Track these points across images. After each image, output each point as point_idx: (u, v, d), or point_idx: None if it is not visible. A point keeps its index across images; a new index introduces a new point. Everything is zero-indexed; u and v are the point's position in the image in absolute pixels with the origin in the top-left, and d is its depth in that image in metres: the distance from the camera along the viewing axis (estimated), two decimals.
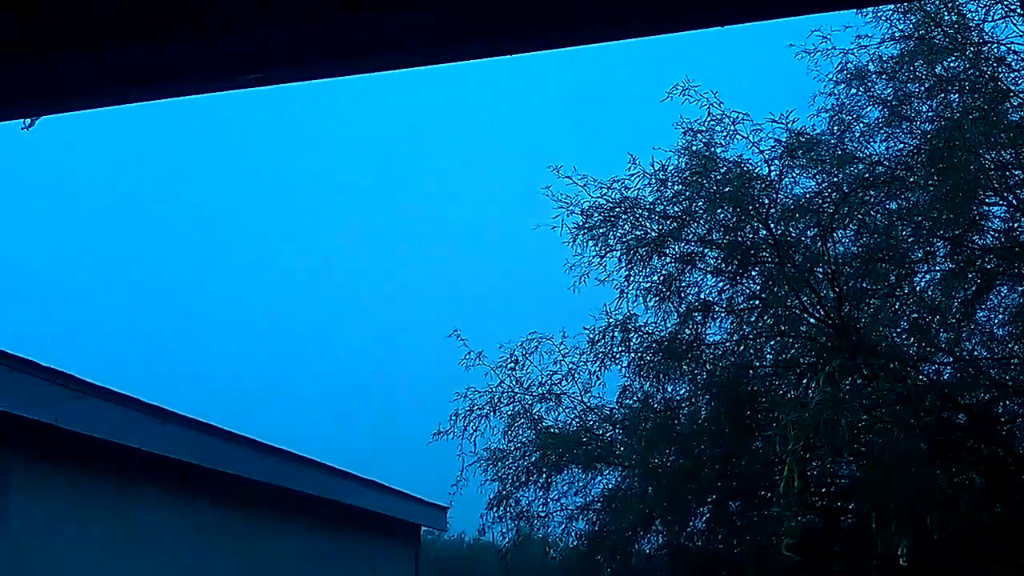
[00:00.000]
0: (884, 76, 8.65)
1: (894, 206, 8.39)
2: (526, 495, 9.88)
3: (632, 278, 8.77)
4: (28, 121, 1.68)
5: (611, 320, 9.12)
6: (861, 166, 8.39)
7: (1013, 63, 8.16)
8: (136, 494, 6.46)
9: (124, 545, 6.27)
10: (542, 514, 10.04)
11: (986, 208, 8.33)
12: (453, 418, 9.77)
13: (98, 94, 1.61)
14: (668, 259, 8.75)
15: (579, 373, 9.69)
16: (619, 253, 8.76)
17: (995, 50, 8.13)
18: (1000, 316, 8.52)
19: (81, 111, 1.70)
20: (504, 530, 10.07)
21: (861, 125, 8.64)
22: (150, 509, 6.59)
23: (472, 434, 9.74)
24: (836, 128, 8.61)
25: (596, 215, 8.80)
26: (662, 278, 8.80)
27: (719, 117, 8.19)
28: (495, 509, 9.94)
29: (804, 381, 8.34)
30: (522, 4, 1.34)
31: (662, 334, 9.01)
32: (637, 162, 8.64)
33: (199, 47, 1.45)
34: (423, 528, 11.79)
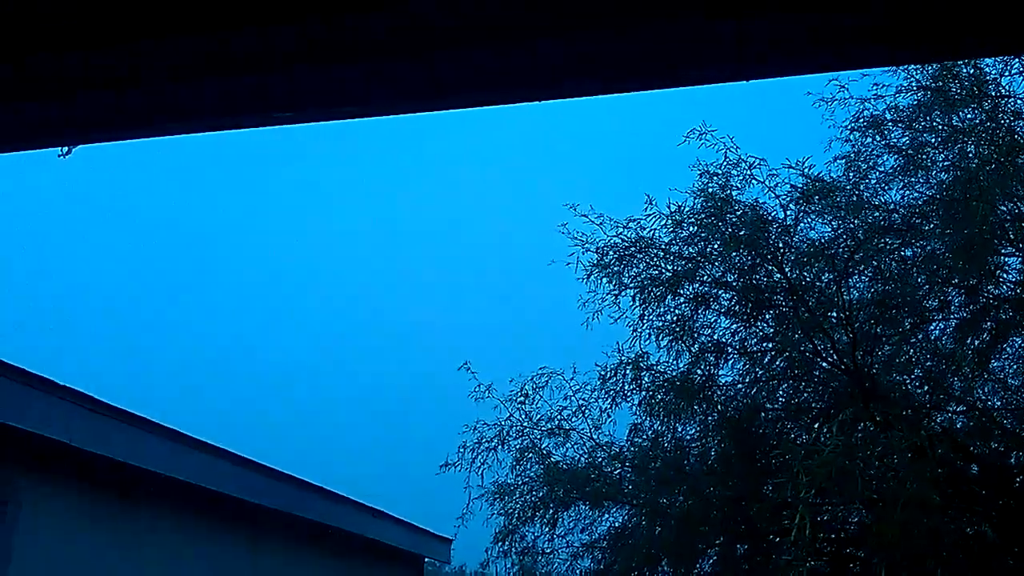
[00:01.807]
0: (900, 125, 8.73)
1: (909, 253, 8.42)
2: (532, 530, 9.82)
3: (646, 317, 8.80)
4: (65, 149, 1.75)
5: (623, 358, 9.14)
6: (877, 213, 8.43)
7: None
8: (146, 515, 6.46)
9: (132, 565, 6.26)
10: (547, 550, 9.97)
11: (1001, 258, 8.35)
12: (461, 450, 9.76)
13: (135, 128, 1.67)
14: (682, 299, 8.78)
15: (589, 410, 9.68)
16: (633, 292, 8.80)
17: (1012, 104, 8.21)
18: (1015, 366, 8.50)
19: (113, 142, 1.77)
20: (509, 565, 10.00)
21: (877, 173, 8.70)
22: (159, 531, 6.59)
23: (480, 467, 9.72)
24: (852, 175, 8.68)
25: (611, 253, 8.85)
26: (676, 318, 8.82)
27: (735, 161, 8.27)
28: (501, 543, 9.88)
29: (816, 426, 8.31)
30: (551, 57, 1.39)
31: (674, 373, 9.01)
32: (653, 203, 8.72)
33: (233, 86, 1.50)
34: (426, 559, 11.72)
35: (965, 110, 8.31)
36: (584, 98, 1.61)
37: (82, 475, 5.86)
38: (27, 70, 1.45)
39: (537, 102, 1.53)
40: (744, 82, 1.48)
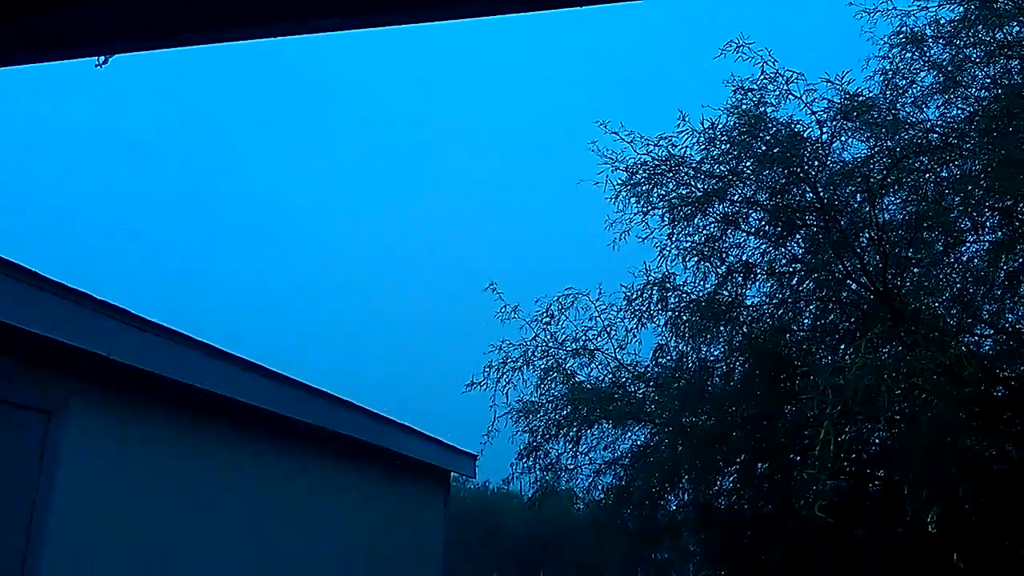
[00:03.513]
0: (941, 40, 8.43)
1: (945, 174, 8.24)
2: (556, 448, 10.02)
3: (674, 237, 8.74)
4: (102, 59, 1.73)
5: (650, 278, 9.13)
6: (913, 132, 8.23)
7: None
8: (186, 428, 6.64)
9: (173, 477, 6.46)
10: (570, 467, 10.19)
11: None
12: (487, 370, 9.90)
13: (166, 37, 1.64)
14: (711, 219, 8.70)
15: (614, 330, 9.75)
16: (662, 211, 8.72)
17: None
18: None
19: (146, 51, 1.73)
20: (532, 480, 10.23)
21: (916, 90, 8.46)
22: (199, 443, 6.78)
23: (505, 386, 9.86)
24: (890, 92, 8.43)
25: (641, 172, 8.74)
26: (704, 238, 8.76)
27: (772, 76, 8.04)
28: (525, 459, 10.09)
29: (843, 347, 8.32)
30: None
31: (701, 294, 9.01)
32: (687, 119, 8.54)
33: None
34: (452, 474, 12.02)
35: (1011, 24, 8.00)
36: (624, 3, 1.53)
37: (125, 389, 6.00)
38: None
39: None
40: None
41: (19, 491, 5.26)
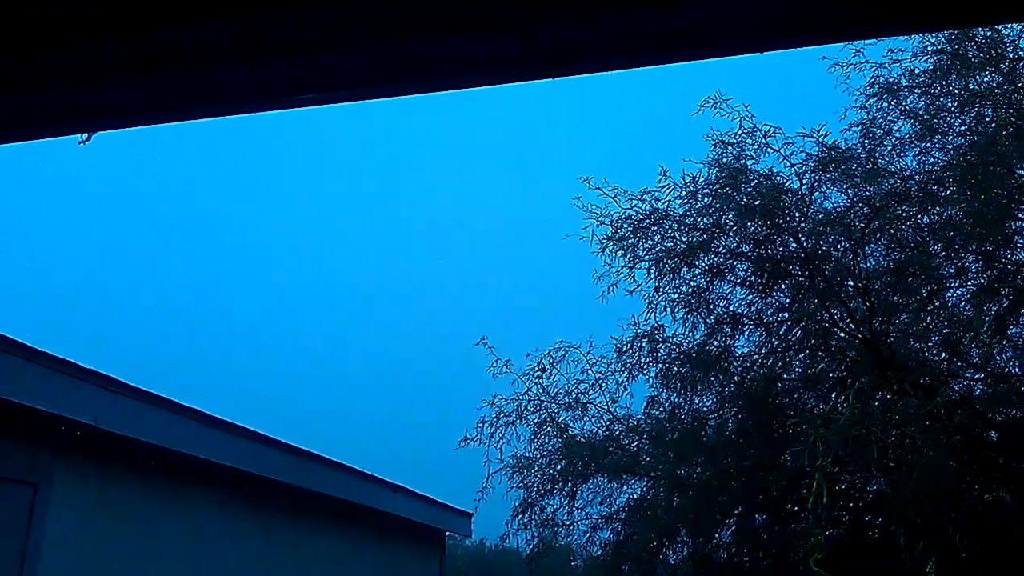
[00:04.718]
0: (916, 90, 8.62)
1: (926, 221, 8.35)
2: (551, 503, 9.92)
3: (661, 289, 8.80)
4: (85, 136, 1.78)
5: (639, 331, 9.16)
6: (893, 180, 8.36)
7: None
8: (171, 494, 6.59)
9: (159, 543, 6.40)
10: (567, 522, 10.07)
11: (1019, 223, 8.28)
12: (479, 425, 9.85)
13: (155, 113, 1.70)
14: (697, 271, 8.77)
15: (606, 383, 9.73)
16: (648, 264, 8.80)
17: None
18: None
19: (134, 128, 1.80)
20: (528, 537, 10.11)
21: (893, 139, 8.62)
22: (185, 509, 6.72)
23: (499, 441, 9.81)
24: (867, 142, 8.60)
25: (626, 226, 8.84)
26: (691, 290, 8.82)
27: (750, 130, 8.21)
28: (520, 516, 9.98)
29: (834, 395, 8.32)
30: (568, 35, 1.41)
31: (690, 345, 9.03)
32: (668, 174, 8.68)
33: (256, 70, 1.53)
34: (447, 533, 11.87)
35: (982, 73, 8.19)
36: (600, 73, 1.62)
37: (109, 456, 5.98)
38: (60, 57, 1.48)
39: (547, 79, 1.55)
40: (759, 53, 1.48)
41: (6, 562, 5.21)
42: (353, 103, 1.68)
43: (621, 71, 1.61)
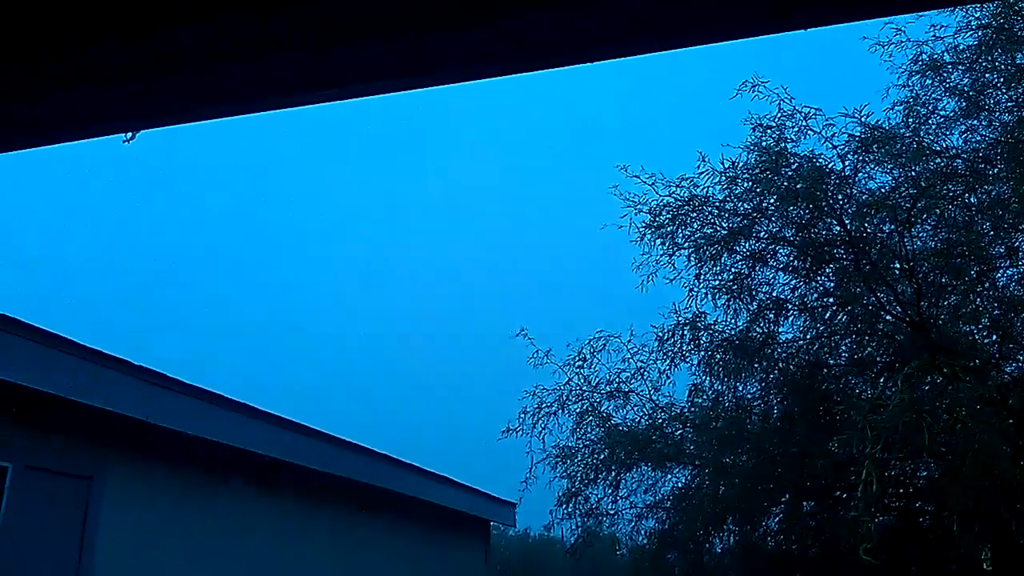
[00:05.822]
0: (960, 67, 8.40)
1: (974, 200, 8.15)
2: (595, 492, 9.90)
3: (701, 276, 8.71)
4: (129, 135, 1.82)
5: (680, 318, 9.09)
6: (938, 159, 8.17)
7: None
8: (225, 487, 6.72)
9: (212, 535, 6.53)
10: (611, 511, 10.05)
11: None
12: (522, 415, 9.86)
13: (160, 115, 1.73)
14: (738, 257, 8.66)
15: (648, 371, 9.68)
16: (688, 251, 8.71)
17: None
18: None
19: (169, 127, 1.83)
20: (572, 527, 10.11)
21: (938, 117, 8.41)
22: (237, 502, 6.85)
23: (541, 432, 9.81)
24: (911, 121, 8.40)
25: (664, 213, 8.76)
26: (732, 276, 8.72)
27: (790, 113, 8.05)
28: (564, 506, 9.98)
29: (881, 380, 8.18)
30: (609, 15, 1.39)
31: (733, 332, 8.93)
32: (706, 160, 8.57)
33: (257, 70, 1.54)
34: (492, 523, 11.94)
35: None
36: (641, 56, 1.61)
37: (160, 449, 6.12)
38: (89, 57, 1.50)
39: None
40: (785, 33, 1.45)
41: (63, 553, 5.37)
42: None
43: (648, 55, 1.58)
